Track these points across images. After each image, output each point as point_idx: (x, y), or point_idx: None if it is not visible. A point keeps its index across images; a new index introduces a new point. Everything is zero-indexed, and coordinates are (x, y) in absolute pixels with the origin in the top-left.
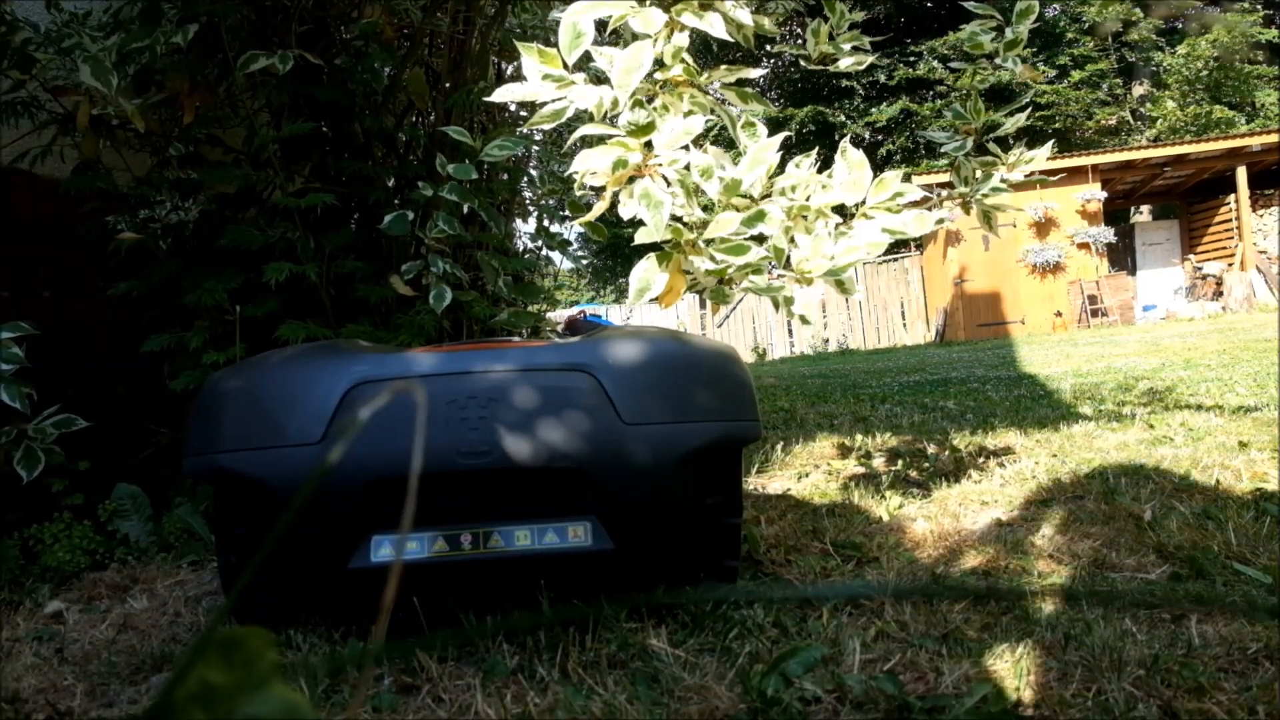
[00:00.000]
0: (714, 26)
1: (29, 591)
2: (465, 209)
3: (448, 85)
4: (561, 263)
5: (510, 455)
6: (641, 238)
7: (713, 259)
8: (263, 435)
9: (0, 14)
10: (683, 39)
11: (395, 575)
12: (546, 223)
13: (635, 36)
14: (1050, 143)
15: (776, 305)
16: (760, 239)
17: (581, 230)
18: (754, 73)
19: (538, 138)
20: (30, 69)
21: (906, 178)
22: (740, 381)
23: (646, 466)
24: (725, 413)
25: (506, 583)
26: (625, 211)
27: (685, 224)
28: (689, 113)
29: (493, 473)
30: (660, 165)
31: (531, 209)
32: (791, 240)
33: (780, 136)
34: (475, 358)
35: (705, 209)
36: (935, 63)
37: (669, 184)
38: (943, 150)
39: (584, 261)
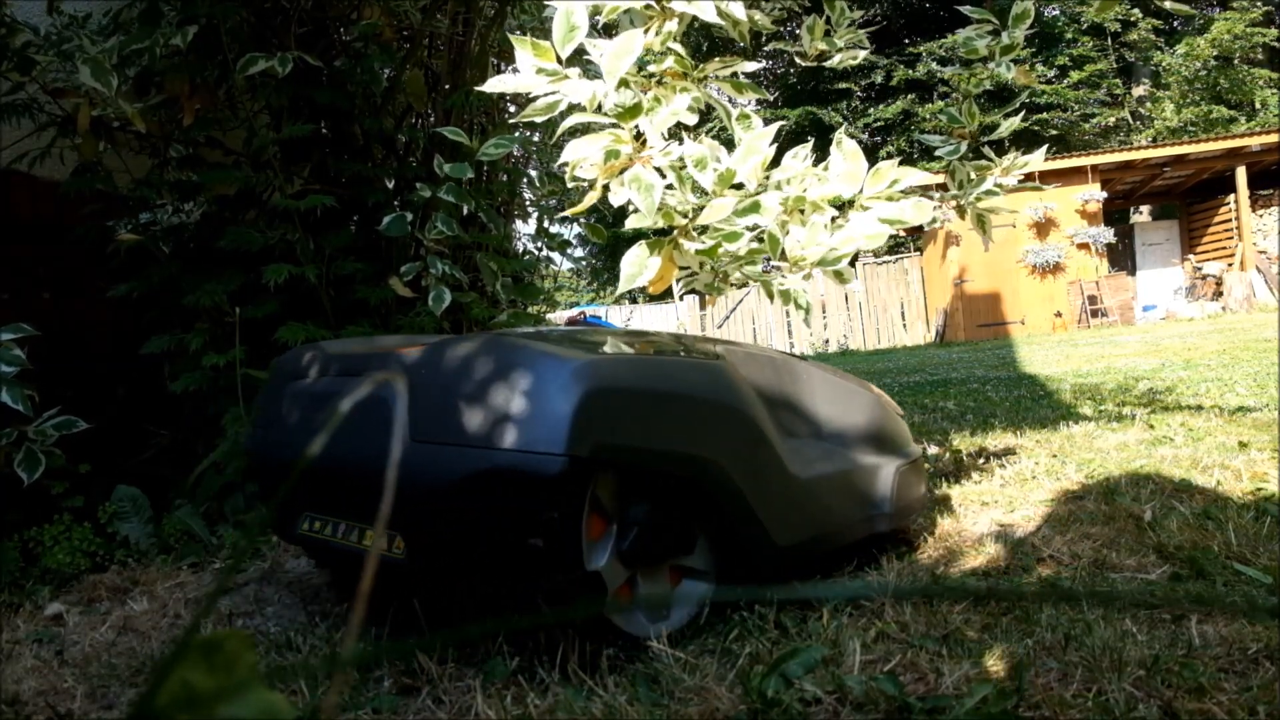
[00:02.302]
0: (704, 11)
1: (29, 593)
2: (465, 210)
3: (447, 86)
4: (561, 263)
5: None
6: (633, 222)
7: (704, 242)
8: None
9: (0, 16)
10: (673, 26)
11: (373, 561)
12: (546, 224)
13: (634, 24)
14: (1044, 147)
15: (771, 295)
16: (754, 229)
17: (581, 231)
18: (747, 65)
19: (536, 137)
20: (30, 71)
21: (906, 162)
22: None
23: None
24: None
25: None
26: (616, 199)
27: (678, 211)
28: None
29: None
30: (651, 155)
31: (531, 210)
32: (787, 230)
33: (775, 126)
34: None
35: (699, 195)
36: (934, 64)
37: (662, 174)
38: (937, 154)
39: (583, 262)
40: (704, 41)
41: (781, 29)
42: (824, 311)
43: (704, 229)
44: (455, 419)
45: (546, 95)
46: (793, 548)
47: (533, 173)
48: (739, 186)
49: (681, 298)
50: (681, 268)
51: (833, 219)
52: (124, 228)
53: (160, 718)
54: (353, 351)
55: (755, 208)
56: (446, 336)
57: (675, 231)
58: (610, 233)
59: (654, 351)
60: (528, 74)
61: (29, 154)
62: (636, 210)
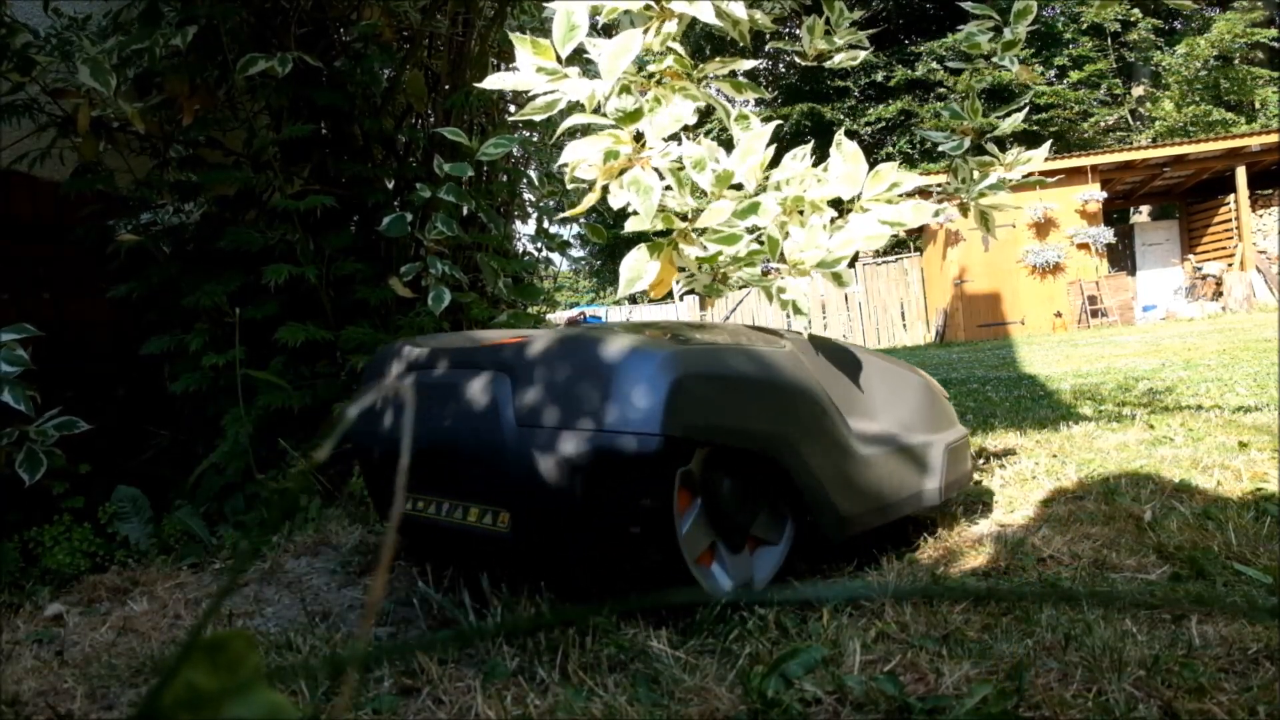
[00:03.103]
0: (703, 12)
1: (29, 594)
2: (464, 210)
3: (447, 87)
4: (561, 264)
5: None
6: (632, 225)
7: (704, 247)
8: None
9: (0, 16)
10: (672, 26)
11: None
12: (546, 224)
13: (633, 24)
14: (1048, 143)
15: (770, 297)
16: (753, 231)
17: (581, 231)
18: (745, 64)
19: (536, 137)
20: (30, 71)
21: (907, 161)
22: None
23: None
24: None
25: None
26: (616, 201)
27: (677, 213)
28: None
29: None
30: (651, 155)
31: (531, 210)
32: (786, 232)
33: (772, 125)
34: None
35: (698, 197)
36: (934, 64)
37: (661, 175)
38: (940, 150)
39: (583, 262)
40: (705, 45)
41: (781, 29)
42: (824, 312)
43: (703, 231)
44: (557, 405)
45: (546, 93)
46: (855, 517)
47: (533, 173)
48: (738, 187)
49: (681, 298)
50: (680, 269)
51: (831, 220)
52: (124, 228)
53: (164, 718)
54: (450, 345)
55: (754, 209)
56: (542, 330)
57: (674, 234)
58: (610, 233)
59: (730, 342)
60: (527, 72)
61: (29, 154)
62: (636, 213)
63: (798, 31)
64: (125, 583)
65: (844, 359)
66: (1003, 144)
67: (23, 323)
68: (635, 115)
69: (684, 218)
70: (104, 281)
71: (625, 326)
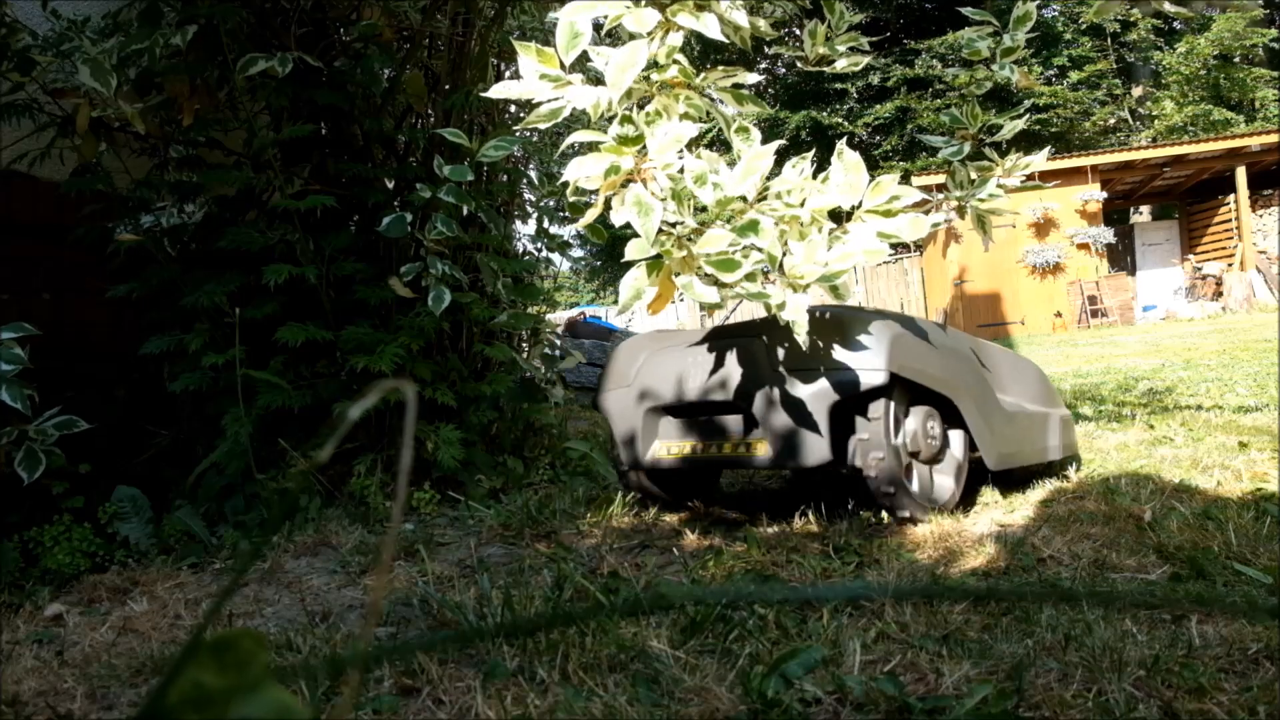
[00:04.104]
0: (709, 27)
1: (29, 594)
2: (464, 211)
3: (447, 87)
4: (561, 264)
5: None
6: (631, 253)
7: (702, 274)
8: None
9: (0, 17)
10: (677, 39)
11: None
12: (546, 224)
13: (632, 37)
14: (1046, 149)
15: (768, 312)
16: (753, 246)
17: (581, 231)
18: (750, 77)
19: (535, 138)
20: (30, 71)
21: (905, 179)
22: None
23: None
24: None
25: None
26: (617, 218)
27: (677, 234)
28: (684, 115)
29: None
30: (654, 169)
31: (531, 210)
32: (785, 247)
33: (774, 146)
34: None
35: (699, 211)
36: (933, 61)
37: (661, 190)
38: (940, 155)
39: (583, 263)
40: (696, 45)
41: (782, 33)
42: None
43: (703, 255)
44: (810, 353)
45: (550, 101)
46: (1005, 456)
47: (533, 173)
48: (740, 199)
49: (682, 298)
50: (678, 275)
51: (830, 231)
52: (124, 228)
53: (171, 717)
54: (684, 330)
55: (753, 228)
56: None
57: (674, 260)
58: (610, 233)
59: (918, 316)
60: (531, 80)
61: (29, 154)
62: (636, 235)
63: (798, 32)
64: (125, 583)
65: (981, 345)
66: (1002, 147)
67: (21, 322)
68: (637, 140)
69: (682, 241)
70: (104, 281)
71: (842, 308)
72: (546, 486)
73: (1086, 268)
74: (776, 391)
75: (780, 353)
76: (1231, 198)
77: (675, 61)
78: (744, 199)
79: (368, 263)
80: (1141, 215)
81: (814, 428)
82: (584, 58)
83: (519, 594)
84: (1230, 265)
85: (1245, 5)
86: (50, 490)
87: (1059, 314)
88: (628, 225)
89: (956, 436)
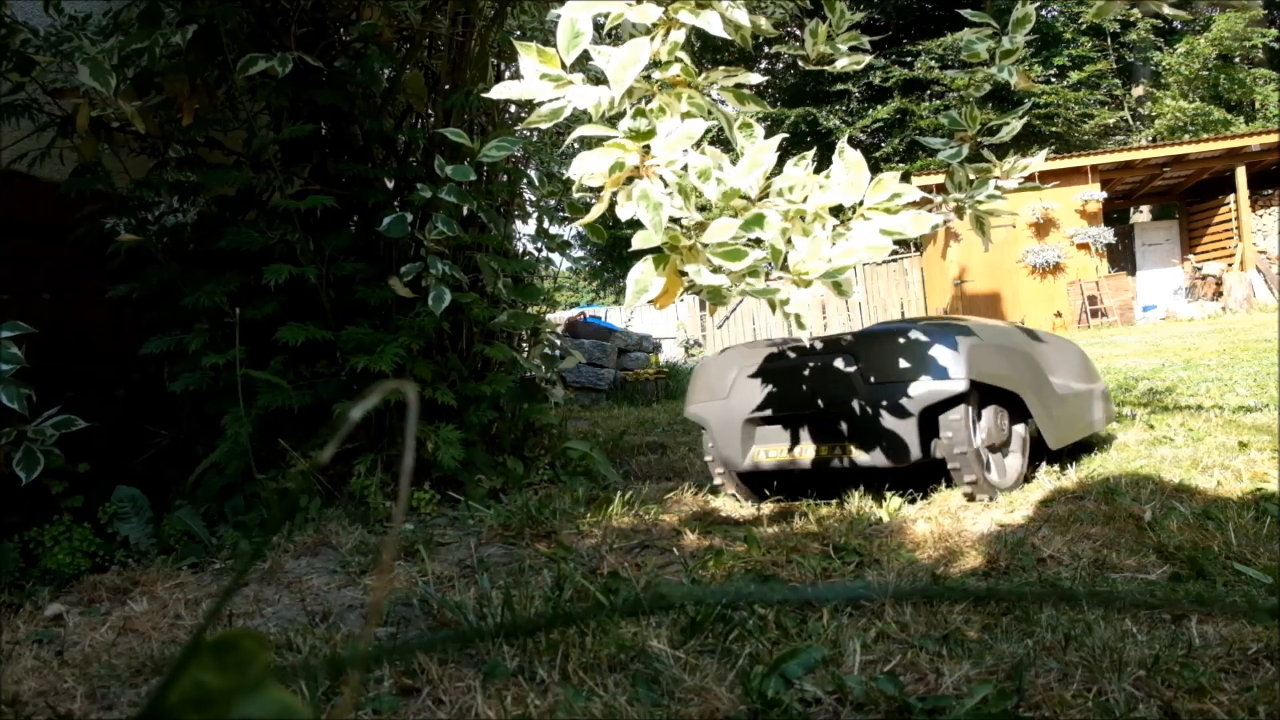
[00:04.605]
0: (711, 24)
1: (29, 594)
2: (465, 211)
3: (447, 87)
4: (561, 264)
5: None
6: (639, 242)
7: (709, 264)
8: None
9: (0, 16)
10: (679, 36)
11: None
12: (546, 224)
13: (633, 35)
14: (1044, 151)
15: (773, 307)
16: (758, 241)
17: (581, 231)
18: (753, 78)
19: (535, 138)
20: (30, 71)
21: (905, 178)
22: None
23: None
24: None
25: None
26: (623, 213)
27: (683, 227)
28: (686, 114)
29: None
30: (658, 166)
31: (531, 210)
32: (789, 242)
33: (777, 139)
34: None
35: (702, 209)
36: (932, 62)
37: (666, 185)
38: (939, 157)
39: (583, 263)
40: (697, 43)
41: (782, 32)
42: (824, 312)
43: (707, 245)
44: (898, 368)
45: (551, 101)
46: (1061, 436)
47: (533, 172)
48: (744, 197)
49: (682, 299)
50: (682, 273)
51: (833, 228)
52: (124, 228)
53: (171, 717)
54: (774, 341)
55: (759, 221)
56: (870, 327)
57: (680, 248)
58: (610, 233)
59: (990, 324)
60: (532, 80)
61: (29, 154)
62: (643, 228)
63: (798, 32)
64: (125, 583)
65: (1035, 336)
66: (1001, 149)
67: (18, 321)
68: (649, 134)
69: (689, 231)
70: (104, 281)
71: (924, 319)
72: (546, 486)
73: (1086, 268)
74: (870, 402)
75: (871, 366)
76: (1231, 198)
77: (677, 59)
78: (748, 198)
79: (368, 263)
80: (1141, 215)
81: (905, 432)
82: (585, 57)
83: (519, 594)
84: (1230, 265)
85: (1245, 5)
86: (50, 490)
87: (1059, 314)
88: (629, 225)
89: (1019, 424)
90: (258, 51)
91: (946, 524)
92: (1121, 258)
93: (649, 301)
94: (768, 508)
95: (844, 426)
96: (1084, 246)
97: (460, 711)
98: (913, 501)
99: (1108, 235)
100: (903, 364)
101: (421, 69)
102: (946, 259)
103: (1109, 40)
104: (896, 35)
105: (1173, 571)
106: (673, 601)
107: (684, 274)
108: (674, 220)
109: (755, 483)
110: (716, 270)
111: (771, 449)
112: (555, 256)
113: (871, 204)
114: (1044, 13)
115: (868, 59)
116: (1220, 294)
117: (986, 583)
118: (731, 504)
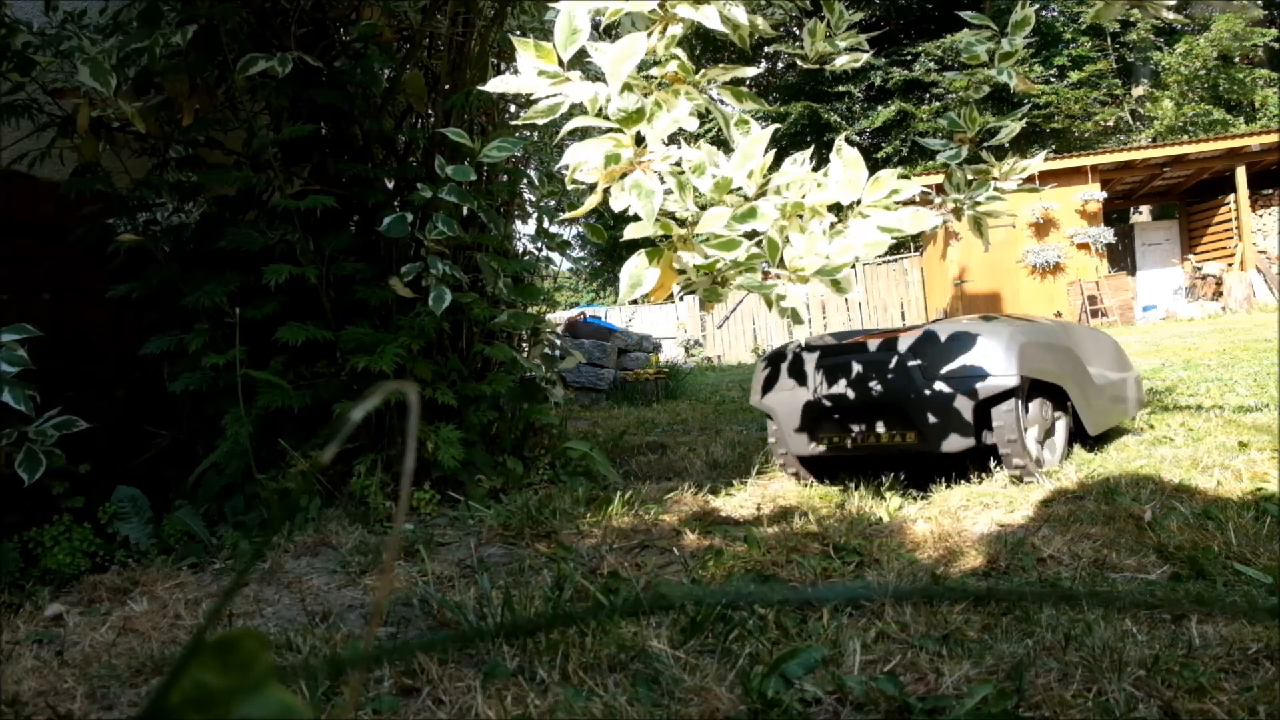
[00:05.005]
0: (708, 18)
1: (29, 594)
2: (465, 211)
3: (447, 87)
4: (561, 264)
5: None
6: (632, 233)
7: (703, 254)
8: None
9: (0, 16)
10: (676, 30)
11: None
12: (546, 224)
13: (635, 27)
14: (1043, 152)
15: (770, 304)
16: (753, 235)
17: (581, 231)
18: (749, 72)
19: (536, 136)
20: (30, 71)
21: (904, 175)
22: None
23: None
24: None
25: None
26: (617, 204)
27: (677, 219)
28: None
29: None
30: (652, 160)
31: (531, 210)
32: (786, 238)
33: (770, 129)
34: None
35: (700, 206)
36: (931, 64)
37: (661, 179)
38: (939, 159)
39: (583, 263)
40: (697, 43)
41: (781, 31)
42: (824, 312)
43: (702, 237)
44: (956, 364)
45: (548, 97)
46: (1098, 422)
47: (533, 172)
48: (737, 191)
49: (681, 298)
50: (680, 272)
51: (831, 225)
52: (124, 228)
53: (172, 717)
54: (837, 335)
55: (752, 213)
56: (924, 324)
57: (674, 238)
58: (610, 233)
59: (1036, 321)
60: (529, 76)
61: (29, 154)
62: (637, 217)
63: (797, 32)
64: (125, 583)
65: (1074, 328)
66: (1000, 150)
67: (22, 323)
68: (639, 115)
69: (683, 223)
70: (104, 281)
71: (978, 318)
72: (546, 486)
73: (1086, 268)
74: (928, 394)
75: (931, 362)
76: (1231, 198)
77: (674, 56)
78: (745, 197)
79: (368, 263)
80: (1141, 215)
81: (961, 421)
82: (583, 54)
83: (519, 594)
84: (1230, 265)
85: (1245, 5)
86: (50, 490)
87: (1059, 314)
88: (628, 222)
89: (1060, 410)
90: (258, 51)
91: (946, 524)
92: (1121, 258)
93: (643, 296)
94: (768, 507)
95: (905, 416)
96: (1084, 246)
97: (460, 711)
98: (913, 501)
99: (1108, 235)
100: (960, 360)
101: (421, 69)
102: (946, 259)
103: (1109, 40)
104: (896, 36)
105: (1173, 571)
106: (673, 601)
107: (682, 273)
108: (669, 214)
109: (816, 468)
110: (711, 265)
111: (835, 436)
112: (555, 256)
113: (870, 201)
114: (1044, 13)
115: (866, 56)
116: (1220, 294)
117: (986, 583)
118: (731, 504)
